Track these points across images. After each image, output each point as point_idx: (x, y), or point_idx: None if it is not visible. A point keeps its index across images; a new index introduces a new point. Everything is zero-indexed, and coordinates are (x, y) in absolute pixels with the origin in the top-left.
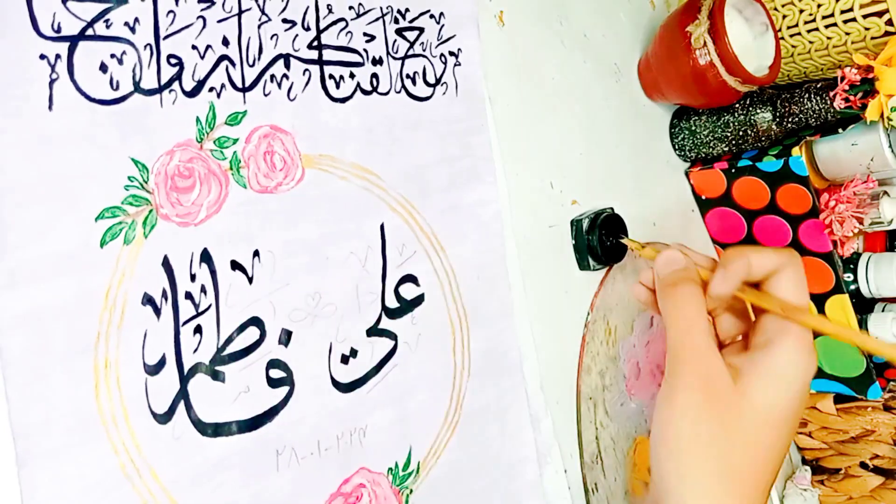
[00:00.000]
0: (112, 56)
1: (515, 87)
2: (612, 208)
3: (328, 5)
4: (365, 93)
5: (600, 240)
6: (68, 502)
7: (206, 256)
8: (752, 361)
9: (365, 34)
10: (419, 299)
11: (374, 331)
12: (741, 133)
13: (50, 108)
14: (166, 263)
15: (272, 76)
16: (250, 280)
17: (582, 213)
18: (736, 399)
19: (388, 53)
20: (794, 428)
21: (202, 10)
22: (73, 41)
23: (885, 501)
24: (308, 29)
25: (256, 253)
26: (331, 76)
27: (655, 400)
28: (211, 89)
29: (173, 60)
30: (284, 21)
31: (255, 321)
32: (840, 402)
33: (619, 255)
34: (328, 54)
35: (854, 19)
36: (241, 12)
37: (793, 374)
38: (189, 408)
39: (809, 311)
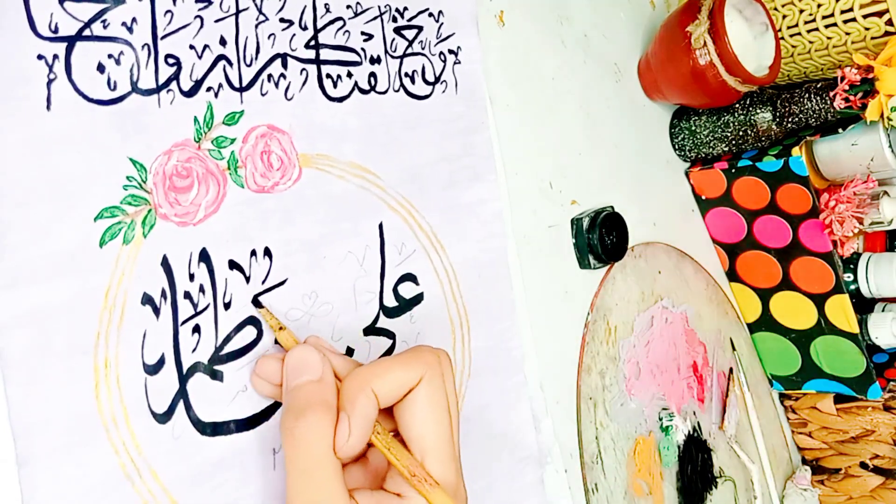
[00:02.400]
0: (110, 56)
1: (515, 87)
2: (612, 207)
3: (325, 4)
4: (363, 92)
5: (601, 238)
6: (68, 502)
7: (204, 256)
8: None
9: (363, 33)
10: (418, 298)
11: (371, 330)
12: (741, 133)
13: (48, 108)
14: (165, 263)
15: (269, 76)
16: (248, 279)
17: (582, 212)
18: None
19: (386, 52)
20: None
21: (200, 9)
22: (71, 41)
23: (885, 501)
24: (305, 28)
25: (254, 252)
26: (328, 75)
27: None
28: (209, 89)
29: (171, 60)
30: (282, 20)
31: (253, 320)
32: (840, 402)
33: (619, 253)
34: (326, 53)
35: (854, 19)
36: (238, 12)
37: None
38: (188, 407)
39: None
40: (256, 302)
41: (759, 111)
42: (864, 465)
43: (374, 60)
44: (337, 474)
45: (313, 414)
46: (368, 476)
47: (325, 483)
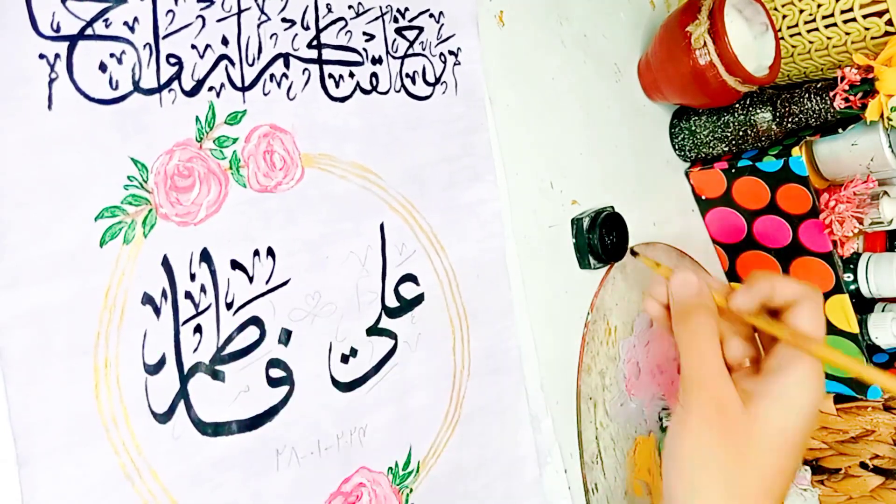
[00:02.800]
0: (111, 55)
1: (515, 87)
2: (612, 207)
3: (327, 4)
4: (364, 92)
5: (601, 238)
6: (69, 502)
7: (205, 256)
8: (763, 387)
9: (364, 33)
10: (419, 298)
11: (373, 330)
12: (741, 133)
13: (49, 107)
14: (166, 263)
15: (272, 75)
16: (250, 279)
17: (583, 212)
18: (747, 424)
19: (387, 53)
20: (801, 452)
21: (201, 9)
22: (73, 41)
23: (885, 501)
24: (307, 28)
25: (256, 252)
26: (330, 75)
27: (670, 422)
28: (210, 89)
29: (173, 60)
30: (284, 20)
31: (255, 320)
32: (840, 402)
33: (619, 253)
34: (328, 53)
35: (854, 19)
36: (240, 11)
37: (803, 400)
38: (189, 407)
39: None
40: (633, 252)
41: (759, 111)
42: (864, 465)
43: (376, 61)
44: (719, 357)
45: (697, 314)
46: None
47: (711, 363)
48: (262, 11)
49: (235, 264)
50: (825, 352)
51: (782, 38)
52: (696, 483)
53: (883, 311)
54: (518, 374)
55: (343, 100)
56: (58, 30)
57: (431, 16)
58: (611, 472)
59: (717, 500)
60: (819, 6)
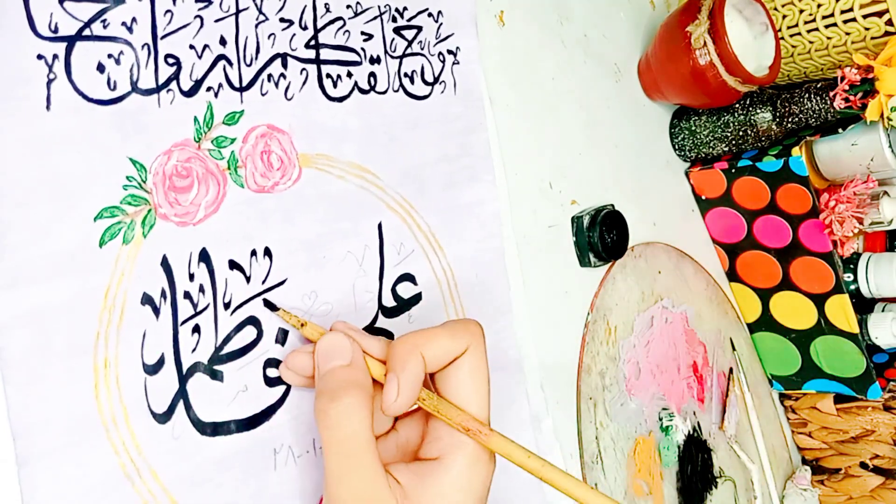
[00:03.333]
0: (109, 56)
1: (515, 87)
2: (612, 205)
3: (325, 4)
4: (363, 92)
5: (601, 236)
6: (68, 502)
7: (204, 256)
8: (420, 479)
9: (362, 33)
10: (417, 298)
11: (370, 330)
12: (741, 133)
13: (48, 108)
14: (165, 263)
15: (269, 76)
16: (247, 279)
17: (583, 210)
18: None
19: (385, 52)
20: None
21: (200, 9)
22: (71, 41)
23: (885, 501)
24: (305, 28)
25: (254, 252)
26: (328, 75)
27: None
28: (208, 89)
29: (171, 60)
30: (282, 20)
31: (253, 320)
32: (840, 402)
33: (619, 251)
34: (325, 53)
35: (854, 19)
36: (238, 12)
37: (466, 491)
38: (188, 407)
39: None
40: (270, 305)
41: (759, 111)
42: (864, 465)
43: (374, 60)
44: (373, 452)
45: (347, 395)
46: (399, 450)
47: (362, 462)
48: (260, 11)
49: (233, 264)
50: (508, 448)
51: (782, 38)
52: None
53: (883, 311)
54: (518, 375)
55: (341, 100)
56: (56, 30)
57: (430, 15)
58: (611, 472)
59: None
60: (819, 6)
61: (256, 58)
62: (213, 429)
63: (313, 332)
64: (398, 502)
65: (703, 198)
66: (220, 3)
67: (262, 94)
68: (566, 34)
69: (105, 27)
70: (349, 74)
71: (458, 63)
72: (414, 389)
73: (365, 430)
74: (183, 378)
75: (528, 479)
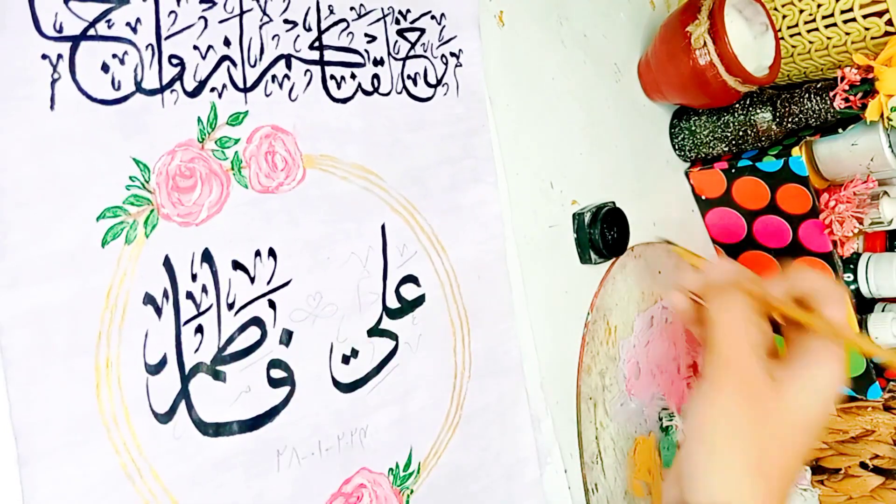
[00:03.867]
0: (114, 56)
1: (515, 87)
2: (613, 202)
3: (329, 6)
4: (366, 93)
5: (602, 234)
6: (69, 502)
7: (207, 256)
8: (792, 372)
9: (366, 35)
10: (420, 300)
11: (374, 331)
12: (741, 133)
13: (52, 107)
14: (167, 263)
15: (273, 76)
16: (252, 280)
17: (584, 207)
18: (774, 403)
19: (389, 54)
20: (817, 434)
21: (204, 10)
22: (75, 41)
23: (885, 501)
24: (309, 29)
25: (258, 253)
26: (332, 77)
27: (693, 397)
28: (212, 89)
29: (175, 61)
30: (286, 22)
31: (256, 321)
32: (840, 402)
33: (620, 248)
34: (329, 55)
35: (854, 19)
36: (242, 13)
37: (826, 385)
38: (190, 407)
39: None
40: (668, 242)
41: (759, 111)
42: (864, 465)
43: (378, 62)
44: (752, 332)
45: (734, 294)
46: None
47: (744, 340)
48: (265, 13)
49: (237, 265)
50: (854, 338)
51: (782, 38)
52: (718, 447)
53: (883, 311)
54: (519, 376)
55: (345, 101)
56: (60, 30)
57: (433, 17)
58: (611, 472)
59: (736, 465)
60: (819, 6)
61: (260, 59)
62: (216, 429)
63: (699, 261)
64: (771, 388)
65: (703, 198)
66: (225, 5)
67: (267, 95)
68: (566, 34)
69: (109, 27)
70: (353, 76)
71: (460, 65)
72: (790, 288)
73: (748, 317)
74: (185, 378)
75: (528, 479)
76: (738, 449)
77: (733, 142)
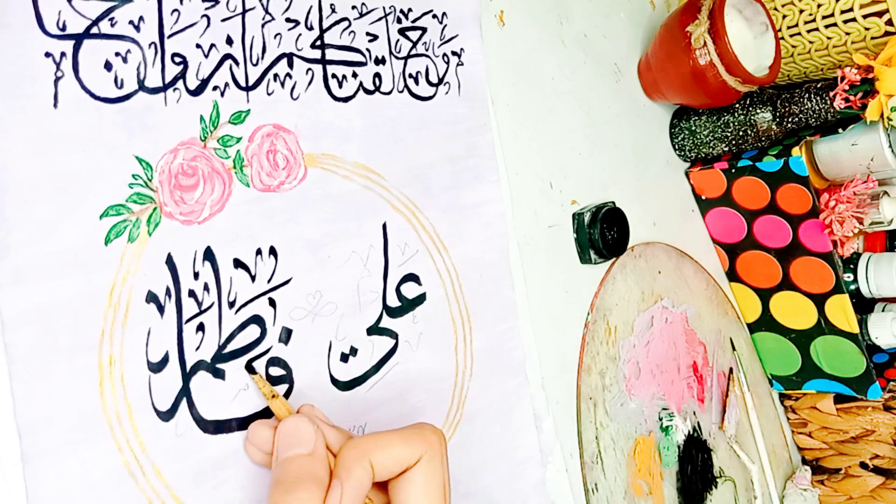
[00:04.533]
0: (117, 54)
1: (515, 87)
2: (613, 202)
3: (331, 5)
4: (368, 92)
5: (602, 233)
6: (72, 499)
7: (209, 254)
8: None
9: (368, 34)
10: (421, 298)
11: (374, 329)
12: (741, 133)
13: (55, 105)
14: (170, 261)
15: (275, 75)
16: (253, 278)
17: (584, 207)
18: None
19: (390, 53)
20: None
21: (206, 8)
22: (79, 39)
23: (885, 501)
24: (311, 28)
25: (259, 251)
26: (333, 75)
27: None
28: (215, 88)
29: (177, 59)
30: (288, 20)
31: (256, 319)
32: (840, 402)
33: (620, 248)
34: (331, 54)
35: (854, 19)
36: (244, 11)
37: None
38: (191, 405)
39: None
40: (250, 368)
41: (759, 111)
42: (864, 465)
43: (379, 61)
44: None
45: (304, 490)
46: None
47: None
48: (267, 11)
49: (238, 263)
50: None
51: (782, 38)
52: None
53: (883, 311)
54: (521, 376)
55: (346, 100)
56: (64, 28)
57: (434, 16)
58: (611, 472)
59: None
60: (819, 6)
61: (263, 57)
62: (216, 427)
63: (281, 409)
64: None
65: (703, 198)
66: (227, 3)
67: (269, 94)
68: (566, 34)
69: (113, 25)
70: (354, 75)
71: (462, 64)
72: (357, 499)
73: None
74: (186, 376)
75: (531, 479)
76: None
77: (733, 142)
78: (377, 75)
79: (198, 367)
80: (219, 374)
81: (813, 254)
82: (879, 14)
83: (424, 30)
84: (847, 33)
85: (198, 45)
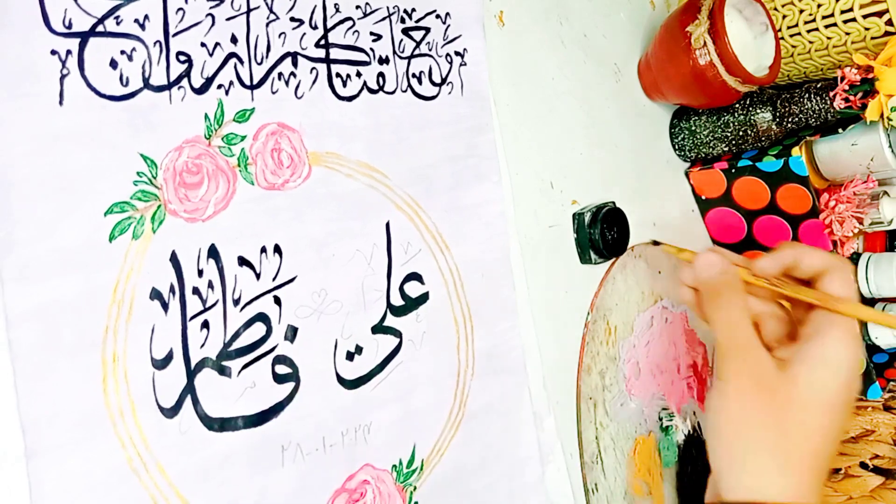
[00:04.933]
0: (122, 52)
1: (515, 87)
2: (613, 202)
3: (335, 4)
4: (371, 91)
5: (602, 233)
6: (76, 496)
7: (213, 252)
8: (800, 351)
9: (371, 33)
10: (424, 297)
11: (379, 328)
12: (741, 133)
13: (60, 103)
14: (174, 259)
15: (280, 74)
16: (257, 276)
17: (584, 207)
18: (785, 385)
19: (394, 53)
20: (845, 413)
21: (211, 7)
22: (84, 37)
23: (885, 501)
24: (315, 28)
25: (263, 249)
26: (338, 75)
27: (709, 396)
28: (219, 86)
29: (182, 57)
30: (292, 19)
31: (262, 317)
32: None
33: (620, 248)
34: (335, 53)
35: (854, 19)
36: (249, 10)
37: (841, 359)
38: (196, 402)
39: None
40: (654, 242)
41: (759, 111)
42: (864, 465)
43: (383, 61)
44: (750, 327)
45: (725, 290)
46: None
47: (742, 334)
48: (271, 10)
49: (243, 261)
50: (856, 309)
51: (782, 38)
52: (743, 449)
53: (883, 311)
54: (522, 375)
55: (350, 99)
56: (69, 26)
57: (438, 17)
58: (611, 472)
59: (765, 464)
60: (819, 6)
61: (267, 56)
62: (221, 424)
63: (689, 255)
64: (781, 376)
65: (703, 198)
66: (232, 2)
67: (273, 93)
68: (566, 34)
69: (118, 24)
70: (358, 74)
71: (465, 64)
72: (779, 264)
73: (743, 311)
74: (191, 373)
75: (531, 477)
76: (762, 444)
77: (733, 142)
78: (381, 75)
79: (203, 365)
80: (224, 372)
81: None
82: (879, 14)
83: (428, 30)
84: (847, 33)
85: (202, 44)
